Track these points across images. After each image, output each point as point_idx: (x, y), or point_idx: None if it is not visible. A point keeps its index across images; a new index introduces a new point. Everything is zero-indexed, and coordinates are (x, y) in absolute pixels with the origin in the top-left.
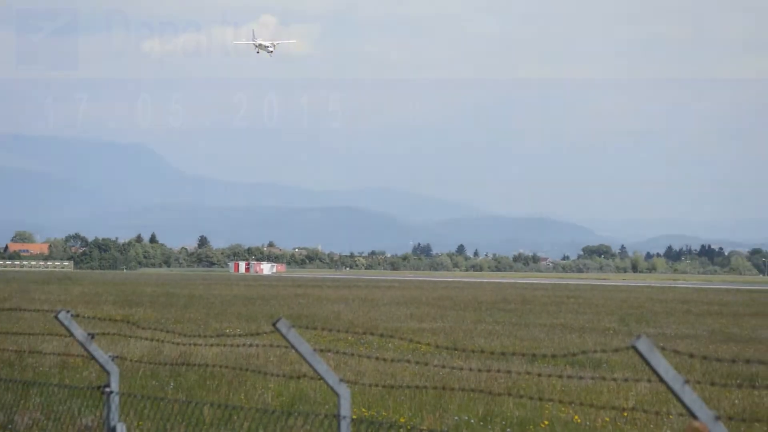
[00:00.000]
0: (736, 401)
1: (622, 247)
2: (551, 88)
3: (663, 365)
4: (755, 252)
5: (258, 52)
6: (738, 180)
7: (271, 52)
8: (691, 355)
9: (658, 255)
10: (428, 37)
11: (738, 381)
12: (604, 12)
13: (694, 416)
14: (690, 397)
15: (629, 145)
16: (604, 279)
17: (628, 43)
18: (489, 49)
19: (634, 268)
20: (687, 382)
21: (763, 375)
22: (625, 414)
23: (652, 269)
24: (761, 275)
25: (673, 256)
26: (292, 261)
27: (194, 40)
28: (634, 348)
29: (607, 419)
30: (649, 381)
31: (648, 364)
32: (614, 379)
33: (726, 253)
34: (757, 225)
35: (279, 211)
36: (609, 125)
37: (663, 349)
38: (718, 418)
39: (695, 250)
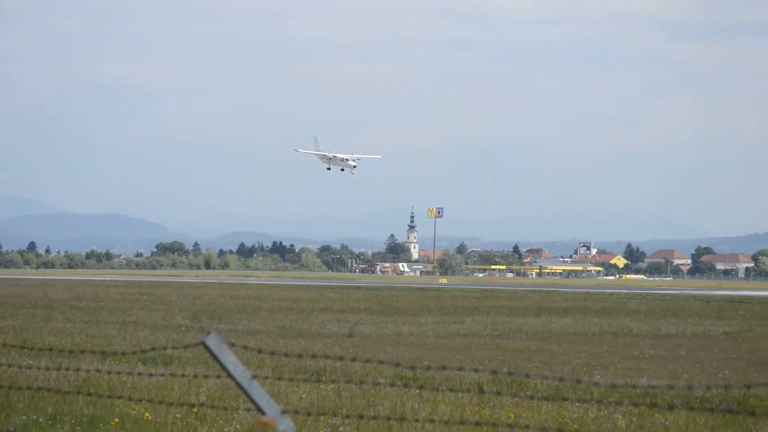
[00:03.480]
0: (304, 395)
1: (196, 244)
2: (127, 90)
3: (232, 361)
4: (324, 248)
5: (329, 168)
6: (304, 179)
7: (355, 167)
8: (260, 351)
9: (230, 251)
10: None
11: (306, 375)
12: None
13: (262, 411)
14: (257, 392)
15: (195, 145)
16: (178, 276)
17: (195, 43)
18: (70, 43)
19: (207, 265)
20: (255, 377)
21: (330, 369)
22: (195, 410)
23: (225, 266)
24: (330, 271)
25: (245, 252)
26: None
27: None
28: (204, 344)
29: (178, 415)
30: (218, 377)
31: (217, 360)
32: (185, 375)
33: (297, 250)
34: (326, 221)
35: None
36: (153, 125)
37: (233, 344)
38: (284, 412)
39: (267, 246)
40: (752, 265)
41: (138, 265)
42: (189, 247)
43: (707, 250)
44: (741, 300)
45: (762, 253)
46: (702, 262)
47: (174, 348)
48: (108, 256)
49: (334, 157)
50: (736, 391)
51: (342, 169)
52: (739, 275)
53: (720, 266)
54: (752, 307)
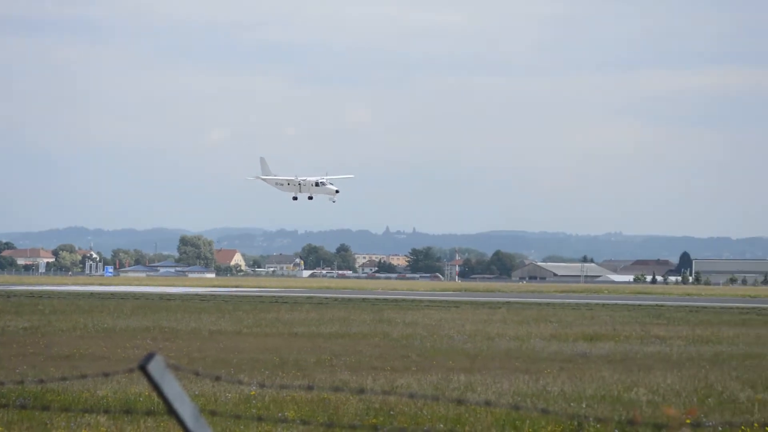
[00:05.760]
0: None
1: None
2: None
3: None
4: None
5: (295, 198)
6: None
7: (337, 191)
8: None
9: None
10: None
11: None
12: None
13: None
14: None
15: None
16: None
17: None
18: None
19: None
20: None
21: None
22: None
23: None
24: None
25: None
26: None
27: None
28: None
29: None
30: None
31: None
32: None
33: None
34: None
35: None
36: None
37: None
38: None
39: None
40: (53, 260)
41: None
42: None
43: (8, 245)
44: (41, 295)
45: (62, 248)
46: (3, 257)
47: None
48: None
49: (304, 181)
50: (32, 386)
51: (310, 197)
52: (40, 270)
53: (21, 261)
54: (52, 302)
